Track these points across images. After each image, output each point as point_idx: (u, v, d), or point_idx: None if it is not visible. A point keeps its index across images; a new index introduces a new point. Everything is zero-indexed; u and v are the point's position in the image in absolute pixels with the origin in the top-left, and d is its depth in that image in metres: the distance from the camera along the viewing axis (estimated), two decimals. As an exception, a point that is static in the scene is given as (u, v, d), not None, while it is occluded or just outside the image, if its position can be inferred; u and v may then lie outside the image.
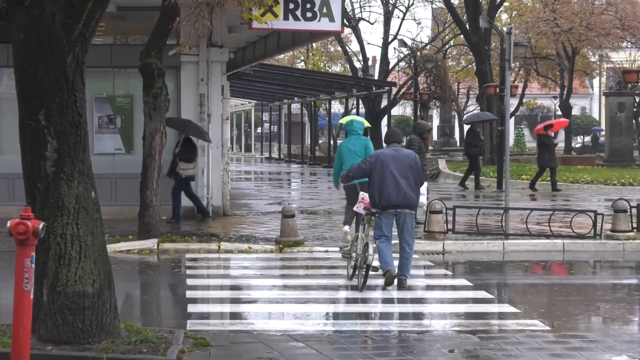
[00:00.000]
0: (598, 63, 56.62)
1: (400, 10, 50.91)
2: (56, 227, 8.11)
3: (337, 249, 15.41)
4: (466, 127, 35.14)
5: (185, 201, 18.89)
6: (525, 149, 57.69)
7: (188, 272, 13.74)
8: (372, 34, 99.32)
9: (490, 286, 12.89)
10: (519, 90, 52.50)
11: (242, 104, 57.32)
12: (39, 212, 7.98)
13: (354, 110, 44.34)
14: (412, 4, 50.89)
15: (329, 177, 30.66)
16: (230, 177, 22.19)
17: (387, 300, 11.76)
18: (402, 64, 51.33)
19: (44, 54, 8.04)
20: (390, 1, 49.41)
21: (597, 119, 69.88)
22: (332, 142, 47.43)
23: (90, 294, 8.18)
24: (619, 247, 15.99)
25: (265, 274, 13.75)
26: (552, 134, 27.71)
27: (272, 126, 69.45)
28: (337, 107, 59.24)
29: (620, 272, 14.97)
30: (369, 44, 66.01)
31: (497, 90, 29.86)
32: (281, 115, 57.49)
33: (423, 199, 15.18)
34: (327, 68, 60.22)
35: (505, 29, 20.57)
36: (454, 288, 12.73)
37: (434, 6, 54.27)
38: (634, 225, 16.55)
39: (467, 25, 40.43)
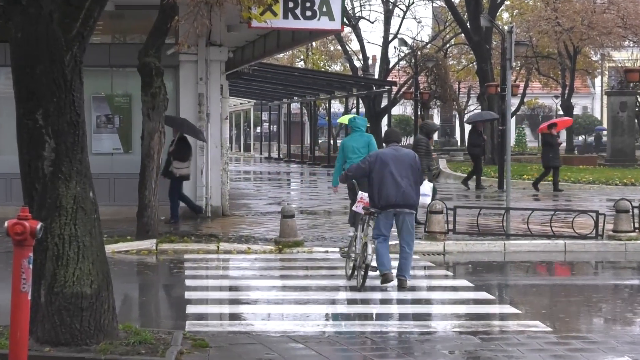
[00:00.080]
0: (600, 62, 56.66)
1: (400, 9, 51.01)
2: (54, 228, 8.07)
3: (337, 249, 15.34)
4: (467, 127, 35.14)
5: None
6: (527, 149, 57.73)
7: (187, 272, 13.69)
8: (372, 32, 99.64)
9: (491, 287, 12.84)
10: (520, 90, 52.52)
11: (241, 104, 57.30)
12: (36, 212, 7.94)
13: (354, 110, 44.33)
14: (413, 2, 51.00)
15: (329, 177, 30.62)
16: (229, 177, 22.14)
17: (387, 301, 11.71)
18: (402, 63, 51.36)
19: (41, 53, 8.00)
20: (391, 0, 49.39)
21: (599, 118, 69.90)
22: (331, 141, 47.42)
23: (88, 295, 8.13)
24: (621, 248, 15.94)
25: (265, 274, 13.70)
26: (556, 133, 27.67)
27: (271, 126, 69.51)
28: (337, 106, 59.24)
29: (622, 273, 14.91)
30: (369, 43, 65.98)
31: (498, 89, 29.84)
32: (280, 115, 57.52)
33: (428, 200, 15.17)
34: (327, 67, 60.24)
35: (506, 27, 20.52)
36: (454, 289, 12.68)
37: (434, 5, 54.34)
38: (636, 225, 16.49)
39: (468, 24, 40.43)
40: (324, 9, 17.95)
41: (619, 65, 51.23)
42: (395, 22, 50.81)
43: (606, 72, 62.00)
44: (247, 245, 15.75)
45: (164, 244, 15.60)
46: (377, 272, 12.08)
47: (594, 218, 16.31)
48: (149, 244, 15.63)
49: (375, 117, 44.44)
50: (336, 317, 10.95)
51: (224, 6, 14.73)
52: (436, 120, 70.16)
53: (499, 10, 45.45)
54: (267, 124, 70.52)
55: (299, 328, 9.80)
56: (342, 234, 16.83)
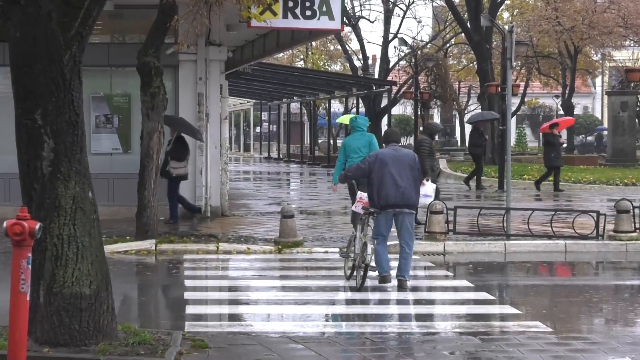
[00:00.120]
0: (600, 62, 56.61)
1: (400, 8, 50.96)
2: (53, 228, 8.04)
3: (337, 249, 15.31)
4: (467, 127, 35.12)
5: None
6: (527, 149, 57.68)
7: (186, 273, 13.66)
8: (372, 32, 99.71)
9: (491, 287, 12.81)
10: (521, 90, 52.48)
11: (240, 103, 57.26)
12: (35, 212, 7.91)
13: (354, 110, 44.30)
14: (413, 2, 50.96)
15: (329, 177, 30.61)
16: (228, 177, 22.11)
17: (387, 302, 11.69)
18: (402, 62, 51.33)
19: (40, 53, 7.97)
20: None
21: (600, 118, 69.86)
22: (331, 141, 47.38)
23: (87, 296, 8.11)
24: (622, 248, 15.91)
25: (264, 275, 13.68)
26: (558, 133, 27.65)
27: (271, 126, 69.49)
28: (336, 106, 59.22)
29: (623, 273, 14.88)
30: (369, 42, 65.96)
31: (499, 89, 29.81)
32: (280, 115, 57.51)
33: (429, 201, 15.10)
34: (327, 67, 60.20)
35: (506, 27, 20.48)
36: (455, 289, 12.65)
37: (434, 4, 54.30)
38: (637, 225, 16.46)
39: (468, 24, 40.41)
40: (324, 9, 17.91)
41: (620, 64, 51.20)
42: (395, 22, 50.86)
43: (607, 72, 61.96)
44: (246, 245, 15.72)
45: (163, 244, 15.57)
46: (377, 273, 12.06)
47: (595, 218, 16.29)
48: (148, 244, 15.60)
49: (375, 117, 44.40)
50: (336, 317, 10.92)
51: (224, 5, 14.71)
52: (436, 120, 70.20)
53: (500, 10, 45.43)
54: (267, 124, 70.50)
55: (298, 328, 9.78)
56: (341, 234, 16.80)
